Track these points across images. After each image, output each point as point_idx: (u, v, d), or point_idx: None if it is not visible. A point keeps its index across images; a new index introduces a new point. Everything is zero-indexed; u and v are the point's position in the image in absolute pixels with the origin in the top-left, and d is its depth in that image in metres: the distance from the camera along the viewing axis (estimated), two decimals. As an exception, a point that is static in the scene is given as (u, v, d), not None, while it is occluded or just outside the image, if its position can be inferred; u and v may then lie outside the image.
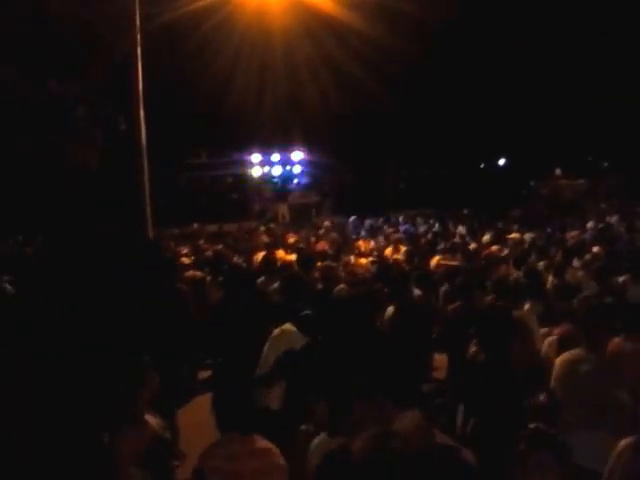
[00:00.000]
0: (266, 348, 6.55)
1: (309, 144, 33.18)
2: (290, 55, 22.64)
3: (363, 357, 5.60)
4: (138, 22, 13.13)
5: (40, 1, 13.13)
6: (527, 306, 7.90)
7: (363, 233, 20.50)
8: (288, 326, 6.58)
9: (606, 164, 34.06)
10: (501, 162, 38.57)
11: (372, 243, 16.58)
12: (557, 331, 6.54)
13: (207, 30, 17.64)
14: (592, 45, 28.10)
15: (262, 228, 21.51)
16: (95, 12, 13.76)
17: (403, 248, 14.22)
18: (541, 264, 10.89)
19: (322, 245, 15.30)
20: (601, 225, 16.95)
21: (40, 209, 14.79)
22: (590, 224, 17.47)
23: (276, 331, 6.61)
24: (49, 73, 14.14)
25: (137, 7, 13.16)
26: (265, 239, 17.62)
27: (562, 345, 5.99)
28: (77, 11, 13.63)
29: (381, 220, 23.87)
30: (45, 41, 13.70)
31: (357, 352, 5.71)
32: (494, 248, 13.35)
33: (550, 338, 6.53)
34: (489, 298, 8.10)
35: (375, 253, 14.50)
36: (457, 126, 32.15)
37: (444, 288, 9.73)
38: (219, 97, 23.52)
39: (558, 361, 5.43)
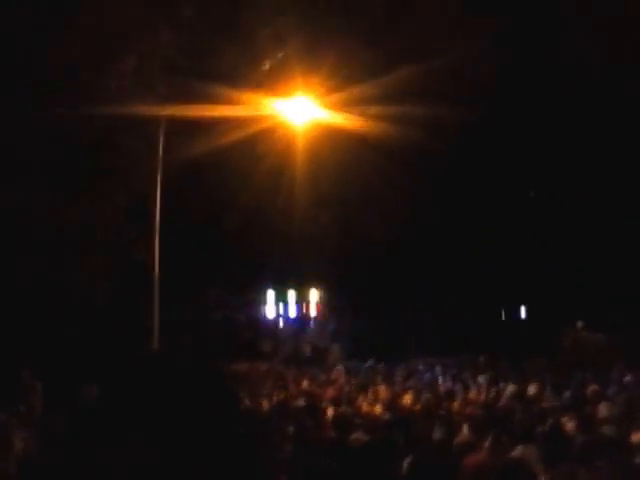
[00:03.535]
0: None
1: (326, 283, 33.21)
2: (317, 189, 22.81)
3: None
4: (161, 152, 13.36)
5: (55, 120, 13.41)
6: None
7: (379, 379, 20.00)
8: None
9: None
10: (522, 312, 38.34)
11: (387, 391, 16.15)
12: None
13: (231, 163, 17.94)
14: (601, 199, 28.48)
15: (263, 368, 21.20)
16: (118, 141, 14.05)
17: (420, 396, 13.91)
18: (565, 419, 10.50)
19: (332, 392, 14.94)
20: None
21: (37, 343, 14.44)
22: (628, 378, 16.94)
23: None
24: (66, 198, 14.27)
25: (161, 138, 13.43)
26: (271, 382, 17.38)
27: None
28: (100, 140, 13.93)
29: (400, 367, 23.38)
30: (63, 164, 13.92)
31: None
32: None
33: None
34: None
35: (389, 401, 14.07)
36: (479, 273, 32.15)
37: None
38: (240, 233, 23.66)
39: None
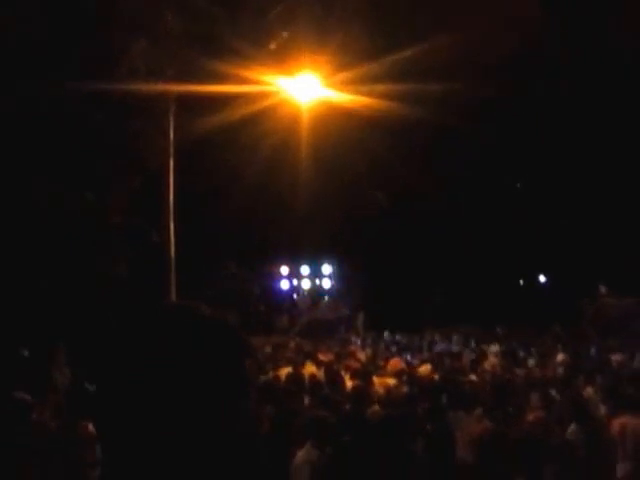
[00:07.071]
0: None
1: (339, 256, 33.52)
2: (323, 165, 23.15)
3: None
4: (172, 135, 13.73)
5: (69, 101, 13.78)
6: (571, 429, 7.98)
7: (394, 350, 20.44)
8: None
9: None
10: (541, 279, 38.38)
11: (402, 362, 16.51)
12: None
13: (240, 142, 18.32)
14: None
15: (292, 344, 21.54)
16: (128, 124, 14.41)
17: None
18: (589, 390, 10.89)
19: (352, 363, 15.27)
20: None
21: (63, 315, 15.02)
22: None
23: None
24: (84, 185, 14.72)
25: (171, 120, 13.80)
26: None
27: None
28: (111, 124, 14.30)
29: (416, 338, 23.80)
30: (80, 153, 14.33)
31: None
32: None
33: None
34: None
35: (406, 373, 14.41)
36: (495, 240, 32.32)
37: (477, 412, 9.68)
38: (249, 208, 24.05)
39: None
